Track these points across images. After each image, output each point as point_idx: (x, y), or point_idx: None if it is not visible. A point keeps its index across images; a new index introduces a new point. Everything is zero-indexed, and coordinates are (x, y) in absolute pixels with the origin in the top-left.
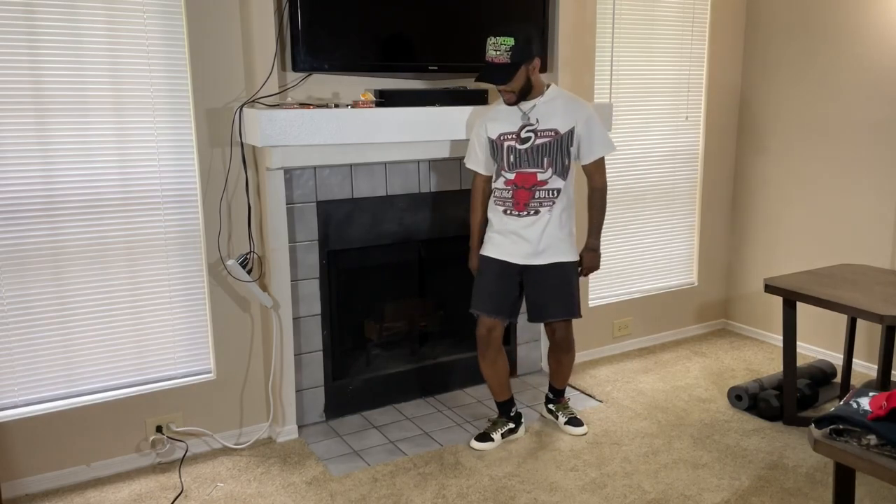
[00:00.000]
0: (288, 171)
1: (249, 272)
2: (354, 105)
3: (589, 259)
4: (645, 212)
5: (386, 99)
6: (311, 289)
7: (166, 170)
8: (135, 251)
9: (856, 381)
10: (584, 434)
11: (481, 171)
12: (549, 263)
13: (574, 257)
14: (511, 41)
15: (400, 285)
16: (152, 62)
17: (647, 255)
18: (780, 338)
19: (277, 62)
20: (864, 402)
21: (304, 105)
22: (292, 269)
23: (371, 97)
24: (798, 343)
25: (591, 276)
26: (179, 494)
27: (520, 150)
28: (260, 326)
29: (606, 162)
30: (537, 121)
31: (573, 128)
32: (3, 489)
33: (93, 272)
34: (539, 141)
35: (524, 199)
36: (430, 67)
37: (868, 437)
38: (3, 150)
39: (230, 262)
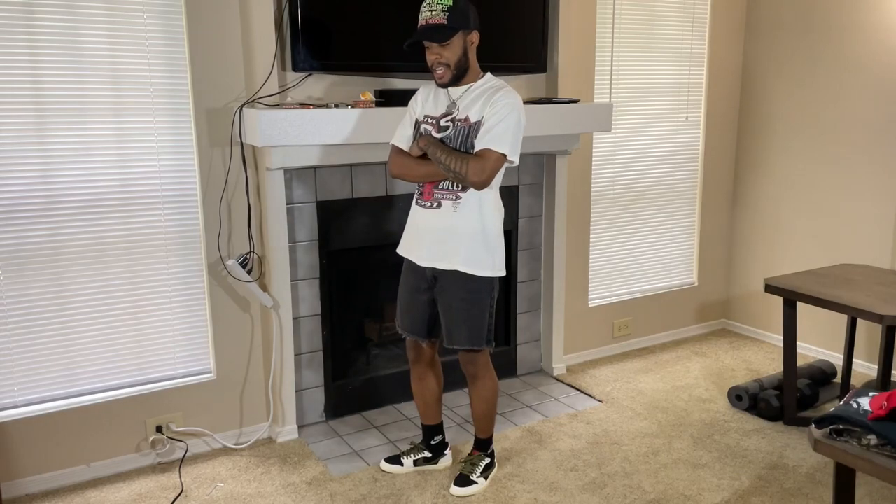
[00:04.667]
0: (288, 171)
1: (249, 272)
2: (354, 105)
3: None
4: (645, 212)
5: (386, 99)
6: (311, 289)
7: (166, 170)
8: (134, 251)
9: (856, 381)
10: (463, 496)
11: (401, 145)
12: (451, 271)
13: (485, 273)
14: (449, 2)
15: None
16: (152, 62)
17: (647, 255)
18: (780, 338)
19: (277, 62)
20: (864, 402)
21: (304, 105)
22: (292, 269)
23: (371, 97)
24: (798, 343)
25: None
26: (179, 494)
27: (441, 139)
28: (260, 326)
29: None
30: (458, 110)
31: (481, 118)
32: (3, 489)
33: (92, 272)
34: (452, 131)
35: (430, 187)
36: None
37: (868, 437)
38: (3, 150)
39: (230, 262)
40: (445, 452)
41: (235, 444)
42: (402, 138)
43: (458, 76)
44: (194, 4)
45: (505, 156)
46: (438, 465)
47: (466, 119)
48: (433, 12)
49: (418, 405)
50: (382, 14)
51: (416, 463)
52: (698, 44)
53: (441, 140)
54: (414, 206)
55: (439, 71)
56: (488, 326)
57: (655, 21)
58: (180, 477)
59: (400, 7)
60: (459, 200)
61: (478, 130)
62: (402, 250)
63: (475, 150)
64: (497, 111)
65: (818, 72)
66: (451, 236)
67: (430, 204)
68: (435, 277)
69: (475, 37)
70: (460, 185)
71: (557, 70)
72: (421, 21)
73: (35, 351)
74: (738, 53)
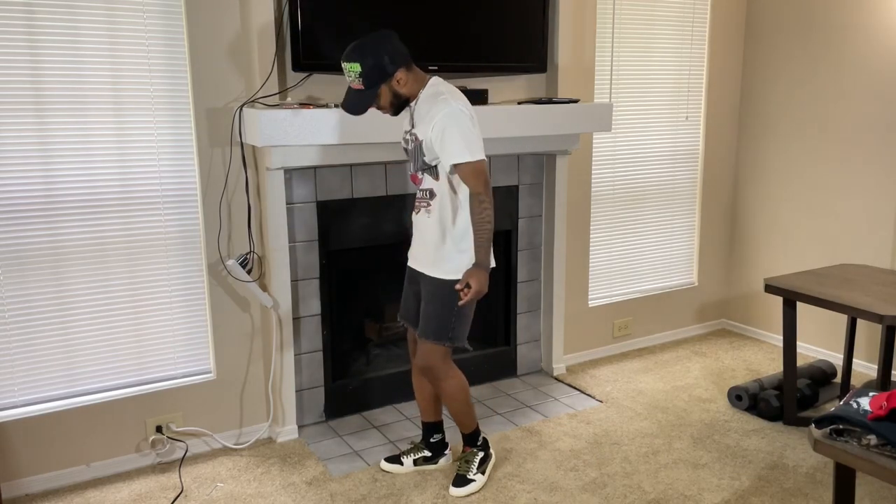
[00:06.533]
0: (288, 171)
1: (249, 272)
2: None
3: (469, 275)
4: (645, 212)
5: None
6: (311, 289)
7: (166, 170)
8: (134, 251)
9: (856, 381)
10: (463, 496)
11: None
12: (422, 272)
13: (446, 276)
14: (358, 68)
15: (400, 285)
16: (152, 62)
17: (647, 255)
18: (780, 338)
19: (277, 62)
20: (864, 402)
21: (304, 105)
22: (292, 269)
23: None
24: (798, 343)
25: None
26: (179, 494)
27: (407, 150)
28: (260, 326)
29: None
30: (413, 124)
31: (427, 135)
32: (3, 489)
33: (92, 272)
34: (411, 145)
35: (414, 198)
36: (429, 67)
37: (868, 437)
38: (3, 150)
39: (230, 262)
40: (445, 452)
41: (235, 444)
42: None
43: (400, 106)
44: (194, 4)
45: (472, 161)
46: (438, 464)
47: (416, 137)
48: (350, 78)
49: (418, 401)
50: (382, 14)
51: (416, 462)
52: (698, 44)
53: (409, 150)
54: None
55: (384, 111)
56: (453, 325)
57: (655, 21)
58: (180, 477)
59: (400, 7)
60: (430, 207)
61: (424, 147)
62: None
63: (455, 172)
64: (435, 128)
65: (818, 72)
66: (425, 241)
67: (416, 210)
68: (420, 275)
69: (399, 74)
70: (429, 193)
71: (557, 70)
72: (346, 78)
73: (35, 351)
74: (738, 53)
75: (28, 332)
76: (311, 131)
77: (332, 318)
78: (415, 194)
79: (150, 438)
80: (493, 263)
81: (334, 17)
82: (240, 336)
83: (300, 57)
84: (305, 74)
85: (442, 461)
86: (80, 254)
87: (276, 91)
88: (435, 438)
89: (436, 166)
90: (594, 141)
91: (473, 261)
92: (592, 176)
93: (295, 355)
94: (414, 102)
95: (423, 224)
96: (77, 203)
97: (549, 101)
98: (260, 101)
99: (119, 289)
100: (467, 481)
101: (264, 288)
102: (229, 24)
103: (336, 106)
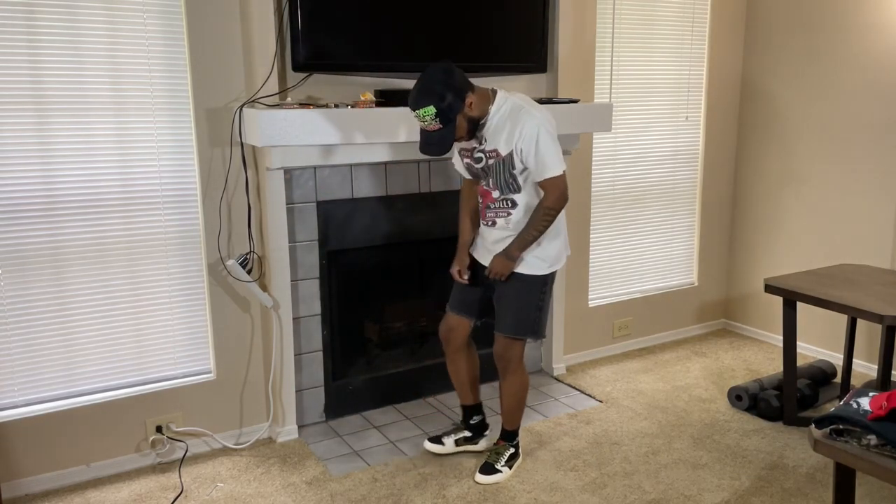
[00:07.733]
0: (288, 171)
1: (249, 272)
2: (354, 105)
3: (494, 262)
4: (645, 212)
5: (386, 99)
6: (311, 289)
7: (166, 170)
8: (135, 251)
9: (856, 381)
10: (487, 483)
11: (463, 173)
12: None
13: (537, 272)
14: (433, 110)
15: (400, 285)
16: (152, 62)
17: (647, 255)
18: (780, 338)
19: (277, 62)
20: (864, 402)
21: (304, 105)
22: (292, 269)
23: (371, 97)
24: (798, 343)
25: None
26: (179, 494)
27: (476, 168)
28: (260, 326)
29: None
30: (485, 140)
31: (511, 151)
32: (3, 489)
33: (93, 272)
34: (489, 161)
35: (484, 209)
36: None
37: (868, 437)
38: (4, 150)
39: (230, 262)
40: (486, 433)
41: (235, 444)
42: (460, 167)
43: (474, 131)
44: (194, 4)
45: (561, 174)
46: (479, 445)
47: (497, 153)
48: (426, 123)
49: (455, 386)
50: (383, 14)
51: (457, 443)
52: (698, 44)
53: (482, 168)
54: (480, 223)
55: (460, 140)
56: (536, 319)
57: (655, 21)
58: (180, 477)
59: (400, 7)
60: (510, 216)
61: (512, 162)
62: (473, 251)
63: (539, 181)
64: (529, 142)
65: (818, 71)
66: (504, 246)
67: (487, 223)
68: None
69: (469, 99)
70: (509, 203)
71: (557, 70)
72: (421, 126)
73: (35, 351)
74: (738, 53)
75: (28, 332)
76: (311, 131)
77: (332, 318)
78: (479, 199)
79: (150, 438)
80: (568, 251)
81: (334, 17)
82: (240, 336)
83: (300, 57)
84: (305, 74)
85: (482, 442)
86: (81, 254)
87: (276, 91)
88: (475, 420)
89: (518, 182)
90: (594, 141)
91: (556, 248)
92: (592, 176)
93: (295, 355)
94: (484, 119)
95: (500, 233)
96: (77, 203)
97: (549, 101)
98: (260, 101)
99: (119, 289)
100: (495, 470)
101: (264, 288)
102: (229, 24)
103: (336, 106)
